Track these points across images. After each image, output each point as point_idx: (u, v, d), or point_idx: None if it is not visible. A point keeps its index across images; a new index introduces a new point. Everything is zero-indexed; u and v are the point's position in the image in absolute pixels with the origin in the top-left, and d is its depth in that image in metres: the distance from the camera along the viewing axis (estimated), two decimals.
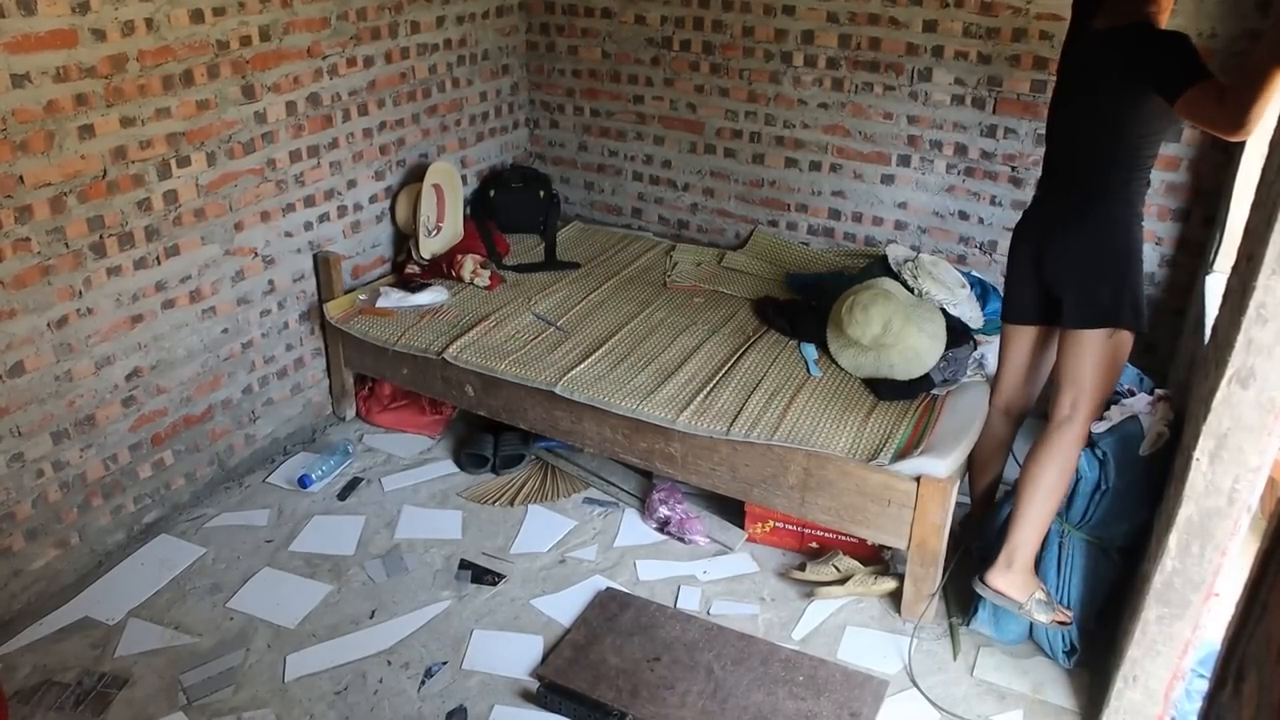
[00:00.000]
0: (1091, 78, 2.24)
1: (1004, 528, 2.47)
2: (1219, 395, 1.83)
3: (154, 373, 2.91)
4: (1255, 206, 2.09)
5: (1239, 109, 1.85)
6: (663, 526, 3.00)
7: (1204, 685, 2.05)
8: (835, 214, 3.68)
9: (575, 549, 2.95)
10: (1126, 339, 2.34)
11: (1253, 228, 2.01)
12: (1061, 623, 2.44)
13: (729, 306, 3.41)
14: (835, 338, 3.01)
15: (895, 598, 2.71)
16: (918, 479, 2.51)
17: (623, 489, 3.18)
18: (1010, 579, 2.43)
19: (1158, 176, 3.04)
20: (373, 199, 3.53)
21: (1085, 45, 2.29)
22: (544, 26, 3.97)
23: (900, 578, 2.69)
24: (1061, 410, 2.37)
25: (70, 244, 2.59)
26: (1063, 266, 2.36)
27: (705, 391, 2.89)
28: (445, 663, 2.54)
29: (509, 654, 2.56)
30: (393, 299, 3.37)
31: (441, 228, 3.64)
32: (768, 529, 2.94)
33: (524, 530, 3.02)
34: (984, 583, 2.45)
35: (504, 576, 2.83)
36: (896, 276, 3.15)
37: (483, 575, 2.83)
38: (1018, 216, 2.56)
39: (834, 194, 3.65)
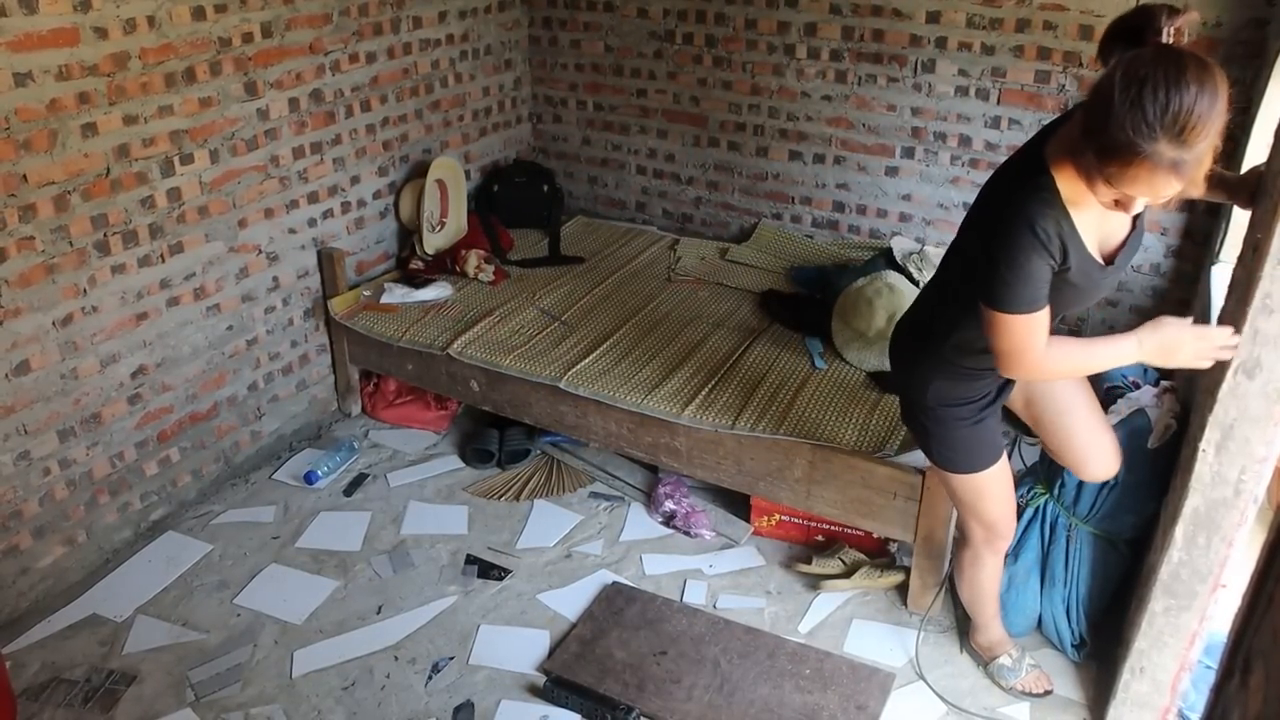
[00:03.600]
0: (979, 205, 1.91)
1: None
2: (1225, 386, 1.82)
3: (159, 370, 2.91)
4: (1261, 197, 2.08)
5: (1045, 371, 1.86)
6: (668, 520, 3.00)
7: (1211, 677, 2.05)
8: (839, 207, 3.68)
9: (581, 543, 2.95)
10: (961, 478, 2.13)
11: (1258, 218, 2.00)
12: (1026, 691, 2.40)
13: (733, 300, 3.41)
14: (840, 331, 3.01)
15: (901, 590, 2.71)
16: (923, 471, 2.50)
17: (628, 483, 3.18)
18: (977, 640, 2.49)
19: None
20: (376, 195, 3.53)
21: (1008, 162, 1.88)
22: (546, 21, 3.97)
23: (906, 570, 2.69)
24: (963, 529, 2.32)
25: (74, 242, 2.60)
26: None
27: (710, 386, 2.89)
28: (452, 658, 2.55)
29: (515, 649, 2.57)
30: (397, 295, 3.37)
31: (445, 223, 3.64)
32: (773, 522, 2.94)
33: (530, 525, 3.03)
34: (967, 637, 2.53)
35: (510, 571, 2.83)
36: (901, 269, 3.14)
37: (489, 570, 2.84)
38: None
39: (838, 187, 3.64)
